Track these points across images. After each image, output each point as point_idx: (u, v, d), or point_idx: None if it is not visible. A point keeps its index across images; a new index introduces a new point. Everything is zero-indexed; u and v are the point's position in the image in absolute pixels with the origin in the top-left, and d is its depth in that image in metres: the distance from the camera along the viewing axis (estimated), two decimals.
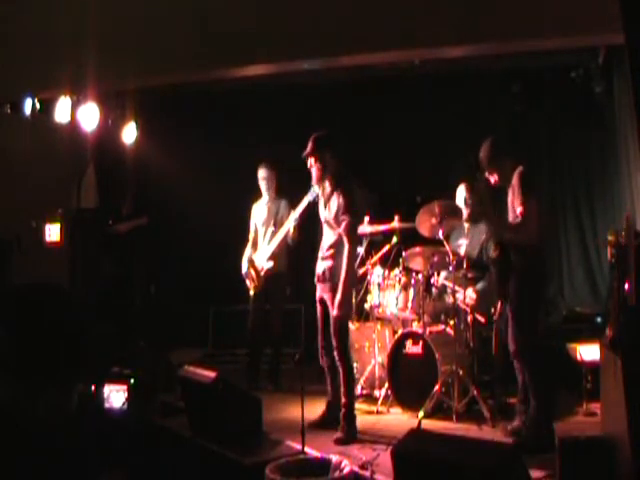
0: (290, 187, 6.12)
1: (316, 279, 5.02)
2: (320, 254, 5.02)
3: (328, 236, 4.96)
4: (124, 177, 8.11)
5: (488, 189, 4.68)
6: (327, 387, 5.11)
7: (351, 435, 4.73)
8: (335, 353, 4.84)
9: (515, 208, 4.43)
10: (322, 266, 4.96)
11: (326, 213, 4.96)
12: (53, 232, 7.31)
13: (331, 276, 4.87)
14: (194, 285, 7.93)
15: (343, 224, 4.81)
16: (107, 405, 4.35)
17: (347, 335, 4.95)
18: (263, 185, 6.30)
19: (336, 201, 4.85)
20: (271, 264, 6.14)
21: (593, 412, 4.87)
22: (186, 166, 7.55)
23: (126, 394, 4.44)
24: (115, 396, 4.44)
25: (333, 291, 4.82)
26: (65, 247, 7.36)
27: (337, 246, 4.87)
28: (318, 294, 5.03)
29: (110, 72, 6.06)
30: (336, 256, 4.87)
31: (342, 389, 4.84)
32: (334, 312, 4.78)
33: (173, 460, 4.27)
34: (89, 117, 6.57)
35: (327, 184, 4.94)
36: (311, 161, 4.92)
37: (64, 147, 7.25)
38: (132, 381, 4.49)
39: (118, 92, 7.36)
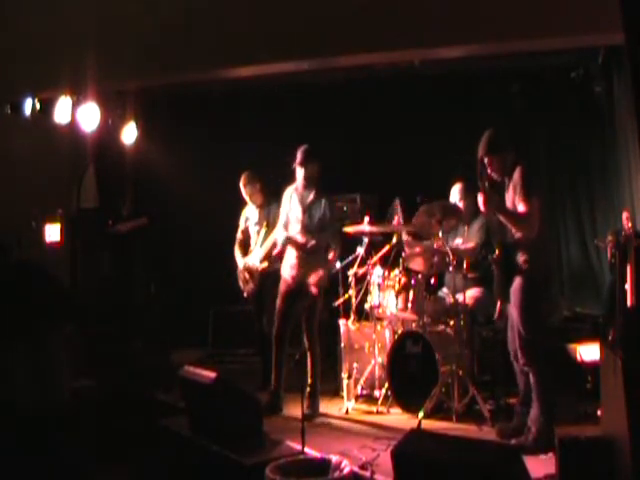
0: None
1: (290, 278, 5.51)
2: (295, 254, 5.50)
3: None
4: (124, 177, 8.11)
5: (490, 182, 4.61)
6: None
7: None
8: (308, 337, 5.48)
9: (515, 205, 4.40)
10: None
11: (306, 219, 5.46)
12: (53, 232, 7.29)
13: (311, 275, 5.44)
14: (194, 285, 7.93)
15: (331, 229, 5.46)
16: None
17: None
18: (246, 196, 6.30)
19: (320, 208, 5.42)
20: (265, 265, 6.14)
21: (593, 412, 4.87)
22: (186, 166, 7.55)
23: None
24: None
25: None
26: (65, 247, 7.35)
27: (317, 248, 5.45)
28: (286, 289, 5.53)
29: (110, 72, 6.05)
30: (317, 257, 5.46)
31: (309, 370, 5.44)
32: (319, 306, 5.48)
33: (173, 460, 4.27)
34: (89, 117, 6.57)
35: (311, 192, 5.47)
36: (300, 170, 5.42)
37: (64, 147, 7.25)
38: None
39: (118, 92, 7.36)
